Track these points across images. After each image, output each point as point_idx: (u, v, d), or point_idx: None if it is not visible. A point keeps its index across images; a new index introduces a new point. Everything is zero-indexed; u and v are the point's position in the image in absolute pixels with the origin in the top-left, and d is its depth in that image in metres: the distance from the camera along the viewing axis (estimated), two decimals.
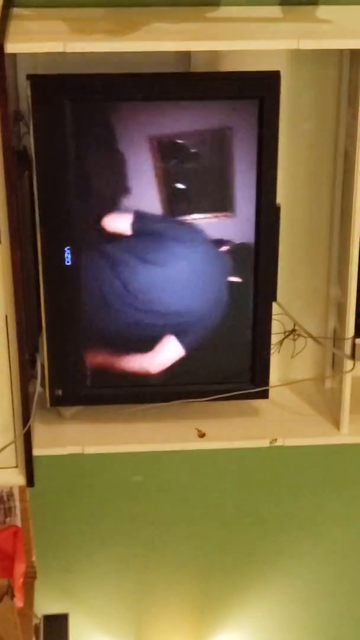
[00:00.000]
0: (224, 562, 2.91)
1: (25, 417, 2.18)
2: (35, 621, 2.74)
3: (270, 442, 2.28)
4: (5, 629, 2.32)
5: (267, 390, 2.29)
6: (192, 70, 2.13)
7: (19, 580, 2.52)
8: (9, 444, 2.21)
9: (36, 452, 2.24)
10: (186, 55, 2.11)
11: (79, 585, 2.89)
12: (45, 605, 2.84)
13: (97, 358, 2.24)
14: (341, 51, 2.17)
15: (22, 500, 2.57)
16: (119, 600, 2.93)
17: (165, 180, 2.09)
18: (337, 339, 2.38)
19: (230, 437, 2.31)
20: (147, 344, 2.23)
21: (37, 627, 2.79)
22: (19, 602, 2.43)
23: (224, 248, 2.17)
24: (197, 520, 2.82)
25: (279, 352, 2.38)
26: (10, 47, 1.89)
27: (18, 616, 2.35)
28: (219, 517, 2.82)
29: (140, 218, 2.12)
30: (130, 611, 2.96)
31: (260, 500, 2.80)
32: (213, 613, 2.99)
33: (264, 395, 2.29)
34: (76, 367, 2.23)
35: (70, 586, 2.88)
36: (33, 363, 2.23)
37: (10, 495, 2.57)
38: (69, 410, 2.35)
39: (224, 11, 2.13)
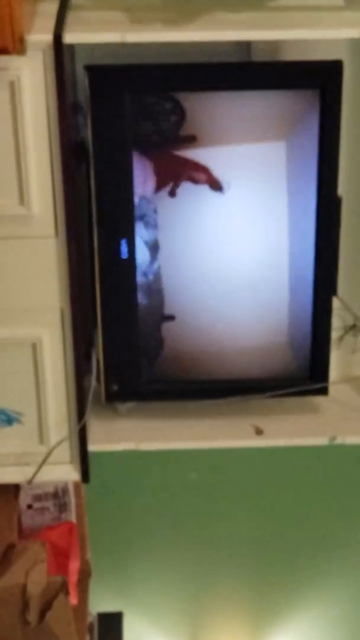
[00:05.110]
0: (281, 561, 2.89)
1: (81, 413, 2.17)
2: (89, 619, 2.74)
3: (330, 440, 2.25)
4: (60, 627, 2.32)
5: (327, 386, 2.25)
6: (252, 59, 2.11)
7: (73, 578, 2.51)
8: (64, 439, 2.20)
9: (91, 447, 2.23)
10: (246, 45, 2.09)
11: (134, 583, 2.88)
12: (100, 603, 2.84)
13: (152, 353, 2.22)
14: None
15: (77, 496, 2.57)
16: (174, 599, 2.92)
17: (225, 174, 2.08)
18: None
19: (288, 434, 2.27)
20: (202, 340, 2.22)
21: (91, 625, 2.78)
22: (73, 600, 2.42)
23: (285, 241, 2.14)
24: (254, 518, 2.80)
25: (339, 348, 2.35)
26: (68, 38, 1.87)
27: (72, 614, 2.35)
28: (275, 516, 2.80)
29: (199, 210, 2.10)
30: (185, 610, 2.95)
31: (318, 499, 2.78)
32: (269, 612, 2.97)
33: (324, 392, 2.26)
34: (132, 362, 2.21)
35: (124, 584, 2.88)
36: (88, 358, 2.22)
37: (65, 491, 2.57)
38: (124, 406, 2.34)
39: (285, 0, 2.10)
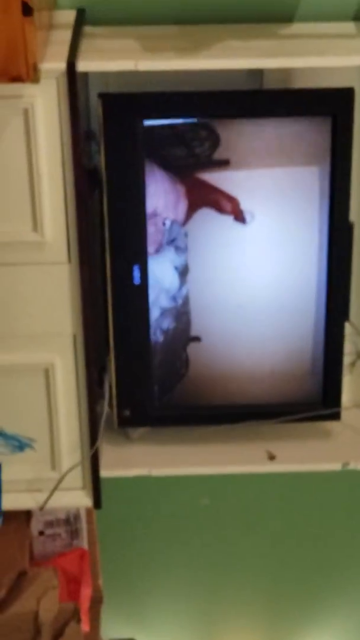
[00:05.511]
0: (294, 587, 2.87)
1: (93, 438, 2.17)
2: None
3: (343, 466, 2.25)
4: None
5: (339, 412, 2.25)
6: (265, 87, 2.12)
7: (85, 604, 2.50)
8: (76, 465, 2.20)
9: (103, 473, 2.23)
10: (258, 73, 2.10)
11: (146, 609, 2.87)
12: (112, 629, 2.82)
13: (165, 378, 2.22)
14: None
15: (88, 522, 2.56)
16: (186, 626, 2.91)
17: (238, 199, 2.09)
18: None
19: (301, 460, 2.27)
20: (215, 364, 2.22)
21: None
22: (85, 626, 2.41)
23: (296, 266, 2.15)
24: (267, 543, 2.79)
25: (351, 373, 2.35)
26: (82, 65, 1.89)
27: None
28: (289, 541, 2.79)
29: (212, 238, 2.11)
30: (197, 636, 2.93)
31: (331, 524, 2.76)
32: (282, 638, 2.95)
33: (336, 417, 2.26)
34: (144, 387, 2.21)
35: (136, 610, 2.87)
36: (101, 383, 2.22)
37: (77, 517, 2.56)
38: (136, 431, 2.34)
39: (297, 28, 2.12)
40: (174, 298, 2.15)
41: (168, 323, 2.16)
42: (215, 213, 2.08)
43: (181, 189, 2.06)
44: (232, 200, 2.08)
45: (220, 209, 2.07)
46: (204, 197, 2.07)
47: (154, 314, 2.15)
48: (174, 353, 2.20)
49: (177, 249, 2.10)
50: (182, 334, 2.18)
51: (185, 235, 2.10)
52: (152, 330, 2.16)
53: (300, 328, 2.19)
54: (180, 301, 2.15)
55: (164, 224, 2.07)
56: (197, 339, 2.18)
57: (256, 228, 2.11)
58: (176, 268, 2.12)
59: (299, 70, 2.09)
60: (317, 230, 2.12)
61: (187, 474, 2.28)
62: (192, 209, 2.08)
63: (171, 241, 2.09)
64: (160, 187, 2.05)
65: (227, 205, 2.06)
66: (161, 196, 2.05)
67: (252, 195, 2.08)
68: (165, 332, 2.17)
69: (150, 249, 2.09)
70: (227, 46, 2.01)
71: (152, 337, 2.16)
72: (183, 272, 2.14)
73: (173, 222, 2.08)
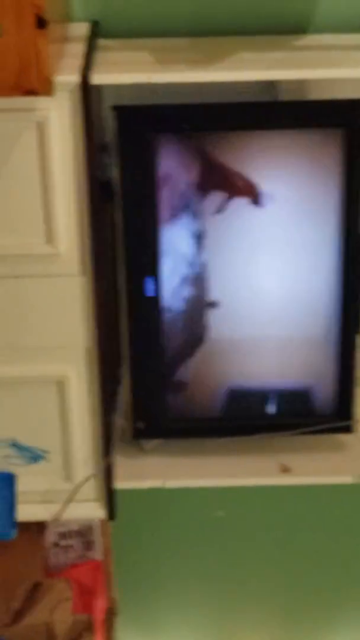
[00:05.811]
0: (307, 599, 2.86)
1: (107, 450, 2.17)
2: None
3: (356, 478, 2.23)
4: None
5: (352, 424, 2.24)
6: (279, 99, 2.12)
7: (99, 616, 2.50)
8: (90, 477, 2.20)
9: (117, 485, 2.22)
10: (272, 85, 2.10)
11: (160, 621, 2.86)
12: None
13: (179, 390, 2.22)
14: None
15: (103, 534, 2.56)
16: (200, 638, 2.90)
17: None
18: None
19: (314, 472, 2.26)
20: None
21: None
22: (99, 639, 2.41)
23: (309, 278, 2.14)
24: (282, 556, 2.78)
25: None
26: (95, 78, 1.89)
27: None
28: (303, 553, 2.78)
29: (225, 249, 2.11)
30: None
31: (345, 537, 2.76)
32: None
33: (349, 429, 2.25)
34: (158, 399, 2.21)
35: (150, 622, 2.86)
36: (114, 395, 2.22)
37: (90, 528, 2.56)
38: (150, 443, 2.33)
39: (310, 39, 2.12)
40: (191, 264, 2.13)
41: (186, 290, 2.15)
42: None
43: (195, 151, 2.03)
44: (249, 184, 2.06)
45: (238, 193, 2.06)
46: (219, 180, 2.05)
47: (173, 281, 2.13)
48: (193, 319, 2.17)
49: (194, 214, 2.08)
50: (200, 299, 2.16)
51: (200, 201, 2.08)
52: (170, 297, 2.13)
53: (313, 340, 2.18)
54: (197, 267, 2.14)
55: (179, 188, 2.05)
56: (214, 303, 2.17)
57: (272, 215, 2.09)
58: (192, 233, 2.11)
59: (313, 81, 2.09)
60: (330, 242, 2.11)
61: (201, 486, 2.28)
62: (205, 190, 2.06)
63: (186, 206, 2.08)
64: (173, 151, 2.02)
65: (244, 187, 2.04)
66: (175, 160, 2.02)
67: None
68: (184, 299, 2.15)
69: (165, 214, 2.07)
70: (241, 58, 2.01)
71: (170, 304, 2.14)
72: (200, 238, 2.13)
73: (188, 186, 2.07)
